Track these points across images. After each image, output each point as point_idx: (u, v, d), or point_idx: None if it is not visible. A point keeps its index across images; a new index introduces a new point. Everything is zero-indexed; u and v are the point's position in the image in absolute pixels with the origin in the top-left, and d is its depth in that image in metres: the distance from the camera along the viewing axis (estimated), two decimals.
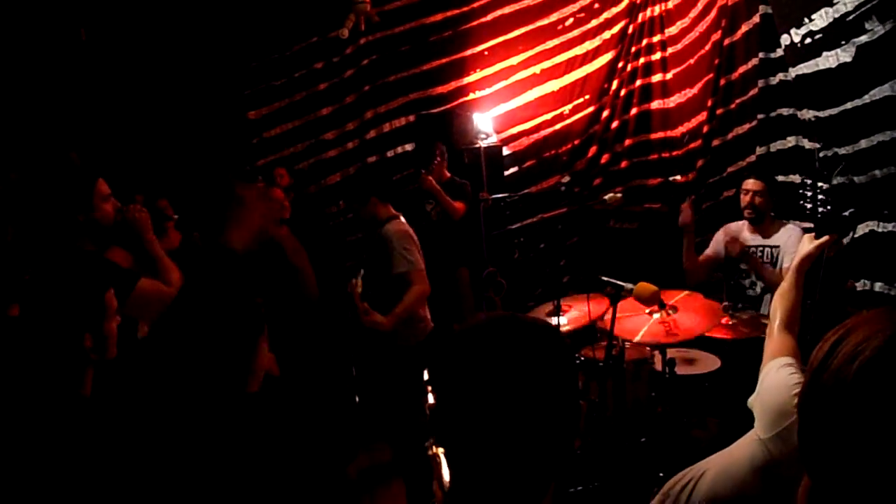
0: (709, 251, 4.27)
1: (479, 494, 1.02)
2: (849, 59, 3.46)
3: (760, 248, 4.06)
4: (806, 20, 3.64)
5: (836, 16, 3.44)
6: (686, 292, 3.88)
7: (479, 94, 6.41)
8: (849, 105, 3.56)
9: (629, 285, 3.05)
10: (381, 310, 3.59)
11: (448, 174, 5.35)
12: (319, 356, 4.54)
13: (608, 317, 3.36)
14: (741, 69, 4.96)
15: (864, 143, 3.56)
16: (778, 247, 3.98)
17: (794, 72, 3.93)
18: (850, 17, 3.36)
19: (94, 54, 5.04)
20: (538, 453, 0.99)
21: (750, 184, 4.02)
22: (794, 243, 3.89)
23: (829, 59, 3.58)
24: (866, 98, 3.45)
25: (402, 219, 3.94)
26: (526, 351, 1.01)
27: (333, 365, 4.86)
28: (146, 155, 5.25)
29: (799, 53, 3.78)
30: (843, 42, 3.43)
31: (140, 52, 5.35)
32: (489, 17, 6.32)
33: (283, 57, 6.11)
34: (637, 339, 3.44)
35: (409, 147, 6.40)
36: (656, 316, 3.65)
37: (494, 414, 0.97)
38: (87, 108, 4.95)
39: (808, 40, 3.67)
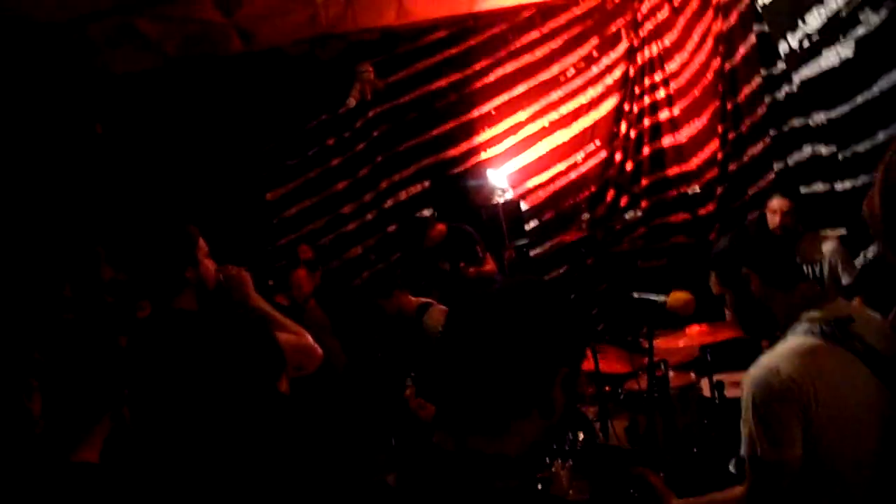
0: None
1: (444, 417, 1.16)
2: (850, 54, 3.46)
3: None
4: (800, 23, 3.67)
5: (830, 14, 3.47)
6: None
7: (490, 152, 6.48)
8: (859, 99, 3.53)
9: (662, 297, 2.97)
10: None
11: (443, 228, 5.27)
12: (351, 425, 4.44)
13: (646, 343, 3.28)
14: (745, 90, 4.98)
15: (881, 136, 3.51)
16: (818, 261, 3.90)
17: (797, 78, 3.93)
18: (843, 13, 3.37)
19: (111, 146, 5.22)
20: (493, 380, 1.11)
21: (775, 203, 3.95)
22: (834, 252, 3.83)
23: (830, 57, 3.58)
24: (875, 89, 3.43)
25: (433, 302, 3.94)
26: (512, 298, 1.18)
27: (367, 434, 4.75)
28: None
29: (800, 58, 3.80)
30: (842, 37, 3.44)
31: (155, 142, 5.53)
32: (492, 77, 6.46)
33: (296, 136, 6.27)
34: (681, 343, 3.35)
35: (426, 213, 6.44)
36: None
37: (469, 346, 1.13)
38: (107, 200, 5.07)
39: (807, 42, 3.68)
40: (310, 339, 2.42)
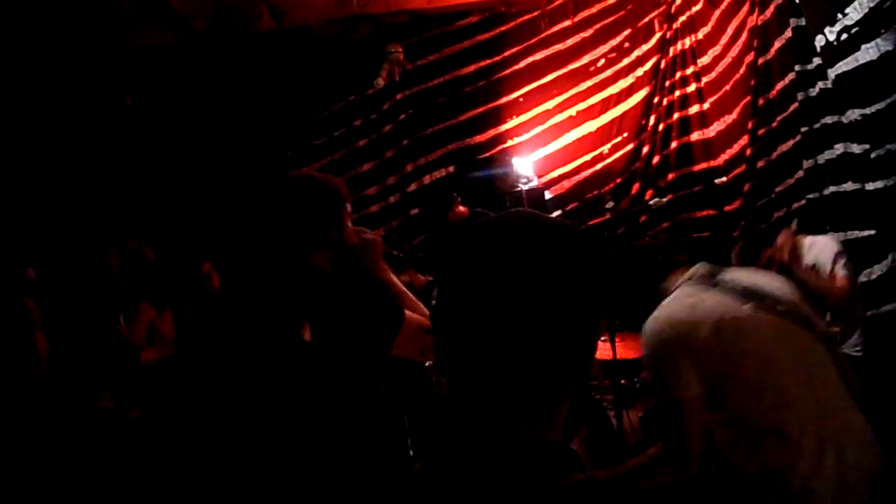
0: None
1: (480, 403, 0.90)
2: (891, 48, 3.38)
3: None
4: (840, 16, 3.60)
5: (872, 5, 3.39)
6: None
7: (517, 140, 6.47)
8: None
9: None
10: None
11: (464, 210, 4.89)
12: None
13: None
14: (779, 85, 4.90)
15: None
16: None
17: (833, 73, 3.87)
18: (888, 4, 3.31)
19: (139, 119, 5.27)
20: (543, 359, 0.88)
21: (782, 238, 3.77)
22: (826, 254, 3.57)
23: (868, 52, 3.51)
24: None
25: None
26: (537, 246, 0.90)
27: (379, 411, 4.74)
28: (190, 218, 5.38)
29: (836, 52, 3.73)
30: (883, 31, 3.37)
31: (183, 117, 5.58)
32: (521, 65, 6.43)
33: (322, 117, 6.30)
34: None
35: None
36: None
37: (498, 312, 0.87)
38: (134, 171, 5.13)
39: (845, 35, 3.62)
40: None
